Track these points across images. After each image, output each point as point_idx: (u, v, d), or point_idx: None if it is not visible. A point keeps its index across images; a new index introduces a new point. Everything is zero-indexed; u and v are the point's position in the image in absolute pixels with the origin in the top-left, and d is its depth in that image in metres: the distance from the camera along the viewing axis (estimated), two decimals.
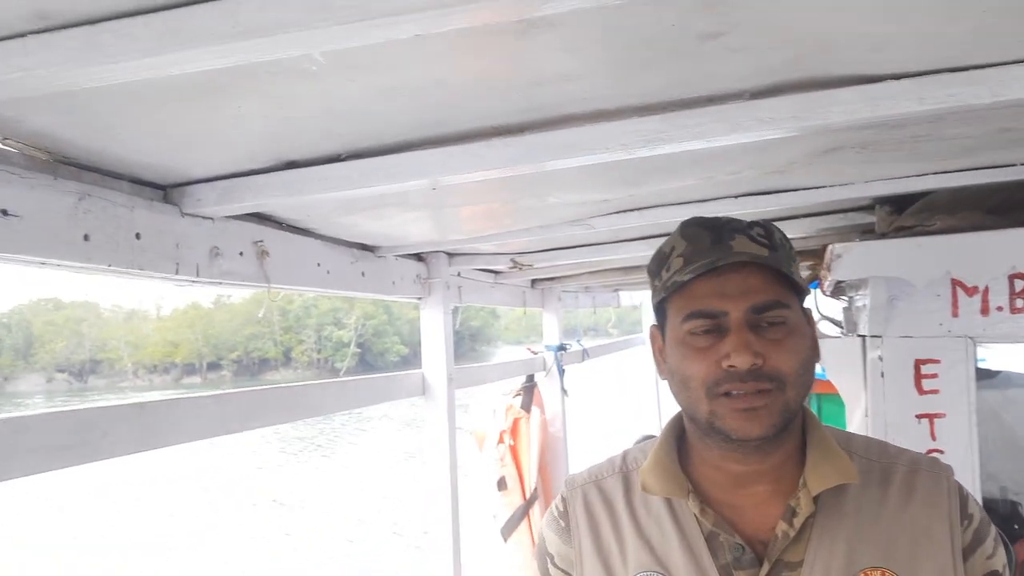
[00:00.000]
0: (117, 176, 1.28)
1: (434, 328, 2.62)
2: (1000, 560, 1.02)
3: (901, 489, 1.02)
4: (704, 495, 1.04)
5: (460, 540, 2.64)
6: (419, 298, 2.55)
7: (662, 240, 1.09)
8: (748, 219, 1.04)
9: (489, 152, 1.21)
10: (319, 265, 1.88)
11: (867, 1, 0.85)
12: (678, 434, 1.11)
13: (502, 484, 3.73)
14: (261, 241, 1.64)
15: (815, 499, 0.99)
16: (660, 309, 1.06)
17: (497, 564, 3.65)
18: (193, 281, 1.48)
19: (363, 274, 2.11)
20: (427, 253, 2.52)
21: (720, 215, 1.06)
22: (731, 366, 0.94)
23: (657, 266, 1.06)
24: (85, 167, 1.22)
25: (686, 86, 1.10)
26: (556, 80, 1.03)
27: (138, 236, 1.29)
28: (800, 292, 1.02)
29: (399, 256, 2.34)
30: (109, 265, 1.23)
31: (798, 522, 0.98)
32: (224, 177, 1.39)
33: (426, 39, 0.85)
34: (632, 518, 1.07)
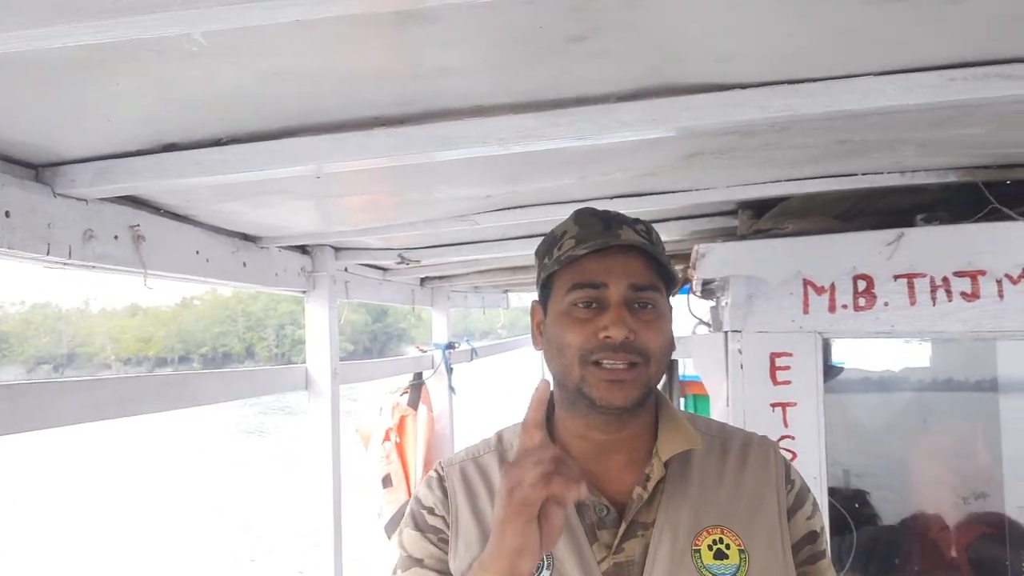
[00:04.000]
0: None
1: (319, 322, 2.62)
2: (818, 522, 1.18)
3: (736, 460, 1.16)
4: None
5: (342, 537, 2.65)
6: (303, 291, 2.55)
7: None
8: None
9: (370, 141, 1.26)
10: (198, 253, 1.86)
11: (714, 17, 0.95)
12: (547, 411, 1.19)
13: (387, 481, 3.75)
14: (137, 226, 1.61)
15: (665, 465, 1.11)
16: (546, 285, 1.16)
17: (380, 561, 3.66)
18: (64, 263, 1.45)
19: (244, 264, 2.09)
20: (312, 246, 2.53)
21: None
22: (607, 337, 1.05)
23: (547, 247, 1.17)
24: None
25: (558, 87, 1.18)
26: (436, 74, 1.09)
27: (7, 214, 1.26)
28: (669, 286, 1.14)
29: (283, 248, 2.33)
30: None
31: (651, 485, 1.10)
32: (100, 158, 1.37)
33: (308, 25, 0.89)
34: None
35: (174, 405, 1.80)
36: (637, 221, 1.14)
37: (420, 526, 1.18)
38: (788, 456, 1.76)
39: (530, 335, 1.23)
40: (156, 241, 1.68)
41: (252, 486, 15.57)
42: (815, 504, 1.19)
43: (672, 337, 1.14)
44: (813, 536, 1.17)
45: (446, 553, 1.15)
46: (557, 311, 1.12)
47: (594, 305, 1.08)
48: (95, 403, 1.52)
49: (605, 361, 1.05)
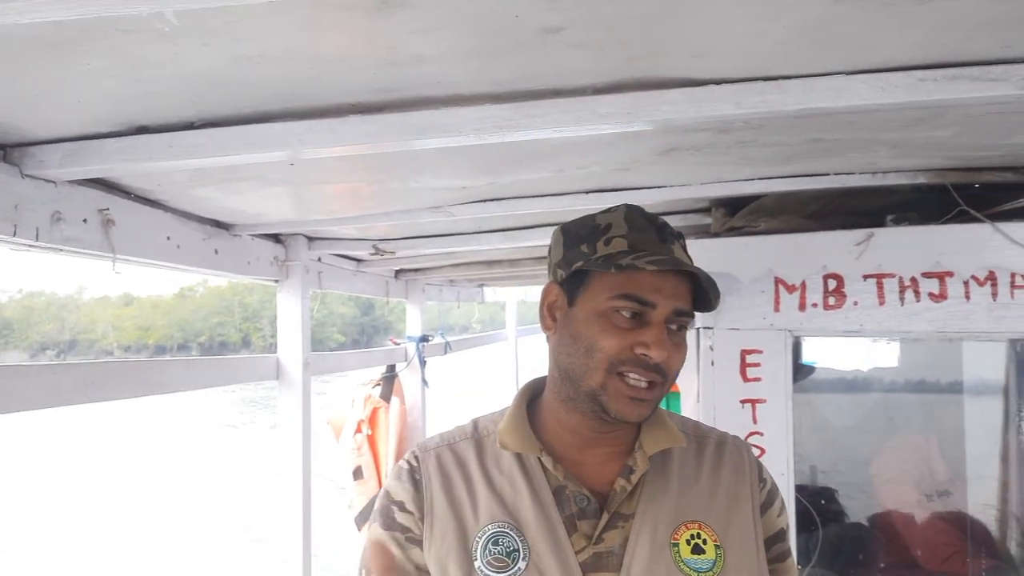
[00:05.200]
0: None
1: (291, 312, 2.60)
2: (786, 521, 1.22)
3: (713, 458, 1.19)
4: (553, 454, 1.14)
5: (311, 528, 2.63)
6: (276, 280, 2.53)
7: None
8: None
9: (345, 128, 1.25)
10: (169, 239, 1.84)
11: (689, 12, 0.95)
12: (530, 400, 1.22)
13: (358, 473, 3.74)
14: (107, 209, 1.59)
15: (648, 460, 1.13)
16: (579, 275, 1.11)
17: (349, 553, 3.64)
18: (31, 245, 1.43)
19: (216, 252, 2.07)
20: (286, 235, 2.51)
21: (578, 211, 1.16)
22: (644, 355, 1.04)
23: (588, 234, 1.12)
24: None
25: (535, 78, 1.18)
26: (411, 61, 1.08)
27: None
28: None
29: (256, 236, 2.31)
30: None
31: (635, 478, 1.11)
32: (69, 139, 1.35)
33: (281, 9, 0.89)
34: (484, 476, 1.15)
35: (140, 392, 1.77)
36: (680, 235, 1.14)
37: (388, 524, 1.15)
38: (756, 452, 1.78)
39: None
40: (126, 225, 1.66)
41: (232, 476, 15.51)
42: (783, 503, 1.23)
43: None
44: (782, 534, 1.20)
45: (418, 549, 1.13)
46: (593, 310, 1.09)
47: (637, 318, 1.06)
48: (58, 388, 1.49)
49: (631, 375, 1.05)
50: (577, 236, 1.14)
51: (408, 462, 1.19)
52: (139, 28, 0.93)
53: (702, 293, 1.10)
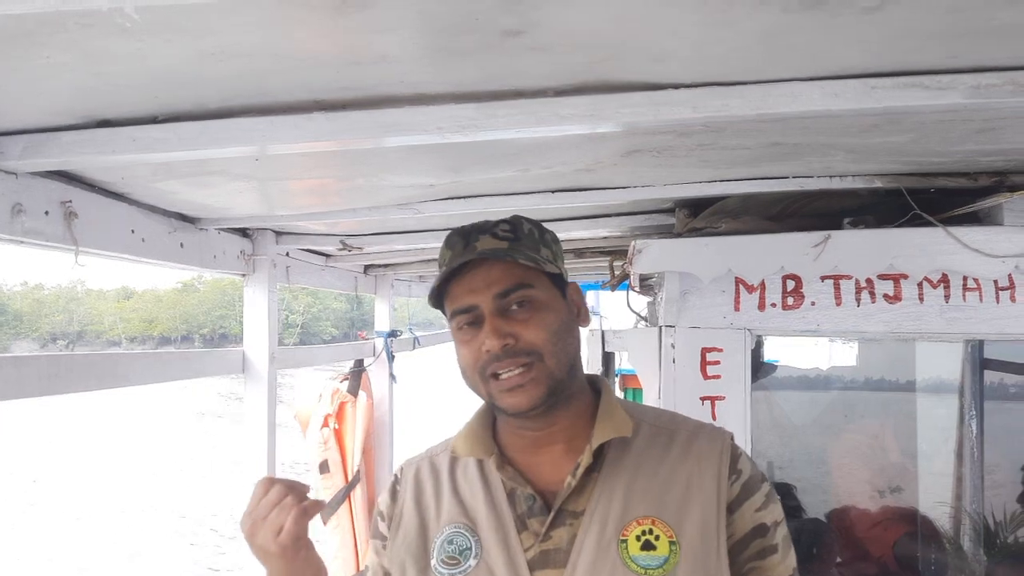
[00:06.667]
0: None
1: (258, 306, 2.59)
2: (771, 515, 1.13)
3: (680, 450, 1.16)
4: (509, 457, 1.17)
5: None
6: (243, 274, 2.52)
7: None
8: (551, 215, 1.19)
9: (310, 125, 1.25)
10: (133, 232, 1.83)
11: (645, 17, 0.98)
12: (493, 413, 1.24)
13: (324, 467, 3.73)
14: (70, 202, 1.58)
15: (601, 455, 1.13)
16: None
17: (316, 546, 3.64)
18: None
19: (182, 245, 2.07)
20: (253, 230, 2.50)
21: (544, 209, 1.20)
22: (487, 351, 1.09)
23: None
24: None
25: (498, 79, 1.19)
26: (374, 60, 1.09)
27: None
28: (551, 273, 1.16)
29: (222, 230, 2.30)
30: None
31: (579, 473, 1.11)
32: (31, 131, 1.34)
33: (243, 5, 0.89)
34: (452, 482, 1.21)
35: (103, 385, 1.76)
36: (501, 222, 1.18)
37: (374, 532, 1.27)
38: None
39: None
40: (89, 218, 1.65)
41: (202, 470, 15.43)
42: (769, 496, 1.15)
43: (567, 321, 1.15)
44: (763, 529, 1.12)
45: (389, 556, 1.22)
46: (453, 337, 1.17)
47: (475, 323, 1.12)
48: (18, 381, 1.48)
49: (501, 372, 1.09)
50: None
51: (394, 475, 1.29)
52: (99, 23, 0.93)
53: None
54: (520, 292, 1.11)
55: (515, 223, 1.18)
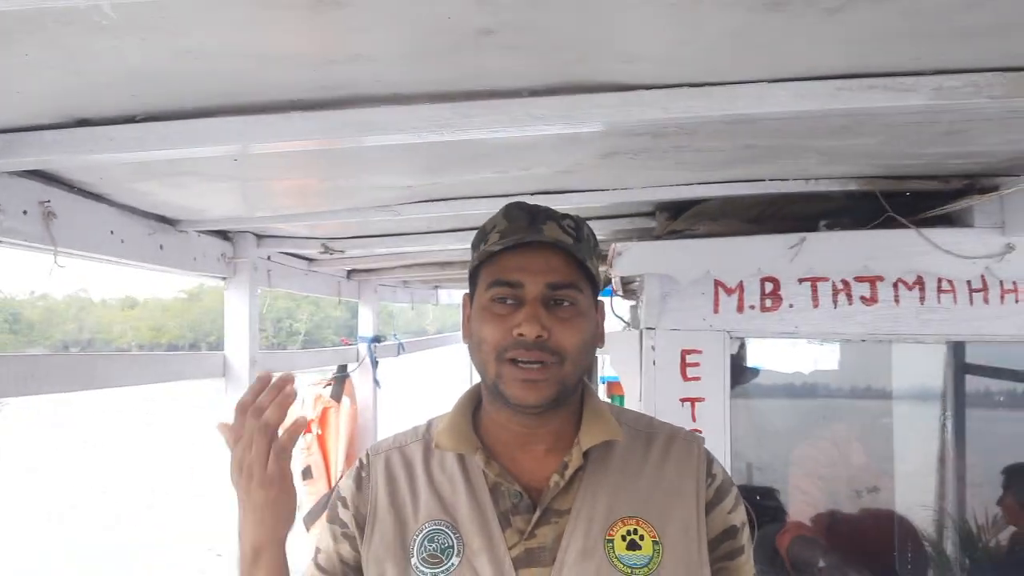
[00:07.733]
0: None
1: (238, 309, 2.59)
2: (739, 517, 1.18)
3: (659, 453, 1.18)
4: (492, 452, 1.16)
5: None
6: (224, 278, 2.52)
7: (472, 233, 1.21)
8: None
9: (287, 124, 1.27)
10: (112, 233, 1.83)
11: (614, 19, 1.00)
12: (475, 401, 1.23)
13: (307, 473, 3.72)
14: (48, 202, 1.58)
15: (586, 455, 1.13)
16: (473, 278, 1.17)
17: (297, 553, 3.63)
18: None
19: (162, 247, 2.07)
20: (234, 232, 2.50)
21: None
22: (520, 334, 1.06)
23: (478, 239, 1.18)
24: None
25: (472, 79, 1.21)
26: (349, 60, 1.11)
27: None
28: (595, 283, 1.16)
29: (202, 232, 2.31)
30: None
31: (568, 473, 1.12)
32: (7, 130, 1.34)
33: (219, 4, 0.91)
34: (428, 476, 1.18)
35: (81, 386, 1.76)
36: (567, 216, 1.15)
37: (331, 516, 1.22)
38: None
39: (459, 332, 1.25)
40: (68, 219, 1.65)
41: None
42: (738, 499, 1.19)
43: (594, 335, 1.15)
44: (733, 531, 1.16)
45: (351, 549, 1.18)
46: (478, 306, 1.13)
47: (511, 302, 1.09)
48: None
49: (520, 359, 1.07)
50: (473, 245, 1.20)
51: (360, 460, 1.24)
52: (77, 21, 0.93)
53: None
54: (570, 291, 1.10)
55: (579, 223, 1.16)
